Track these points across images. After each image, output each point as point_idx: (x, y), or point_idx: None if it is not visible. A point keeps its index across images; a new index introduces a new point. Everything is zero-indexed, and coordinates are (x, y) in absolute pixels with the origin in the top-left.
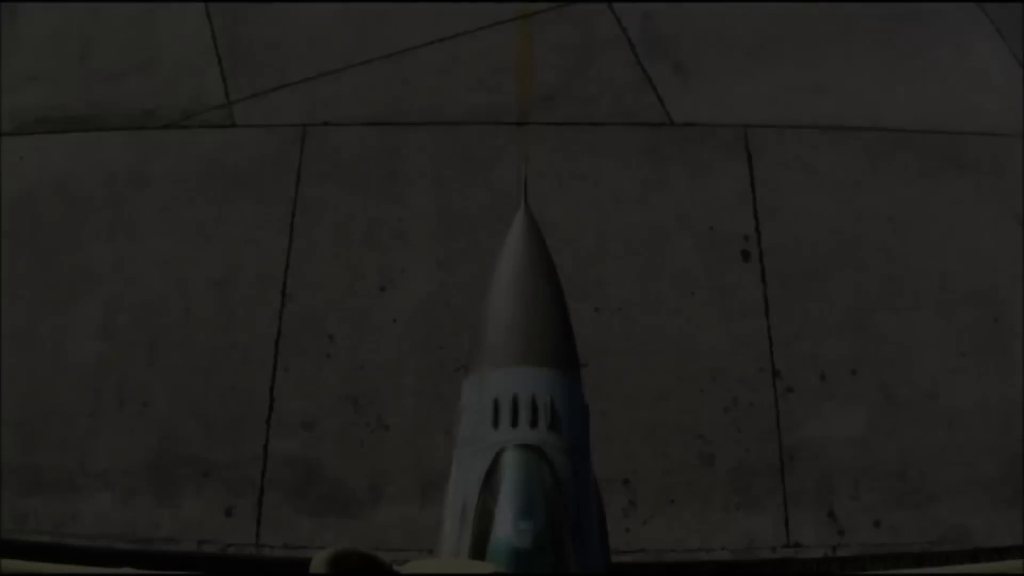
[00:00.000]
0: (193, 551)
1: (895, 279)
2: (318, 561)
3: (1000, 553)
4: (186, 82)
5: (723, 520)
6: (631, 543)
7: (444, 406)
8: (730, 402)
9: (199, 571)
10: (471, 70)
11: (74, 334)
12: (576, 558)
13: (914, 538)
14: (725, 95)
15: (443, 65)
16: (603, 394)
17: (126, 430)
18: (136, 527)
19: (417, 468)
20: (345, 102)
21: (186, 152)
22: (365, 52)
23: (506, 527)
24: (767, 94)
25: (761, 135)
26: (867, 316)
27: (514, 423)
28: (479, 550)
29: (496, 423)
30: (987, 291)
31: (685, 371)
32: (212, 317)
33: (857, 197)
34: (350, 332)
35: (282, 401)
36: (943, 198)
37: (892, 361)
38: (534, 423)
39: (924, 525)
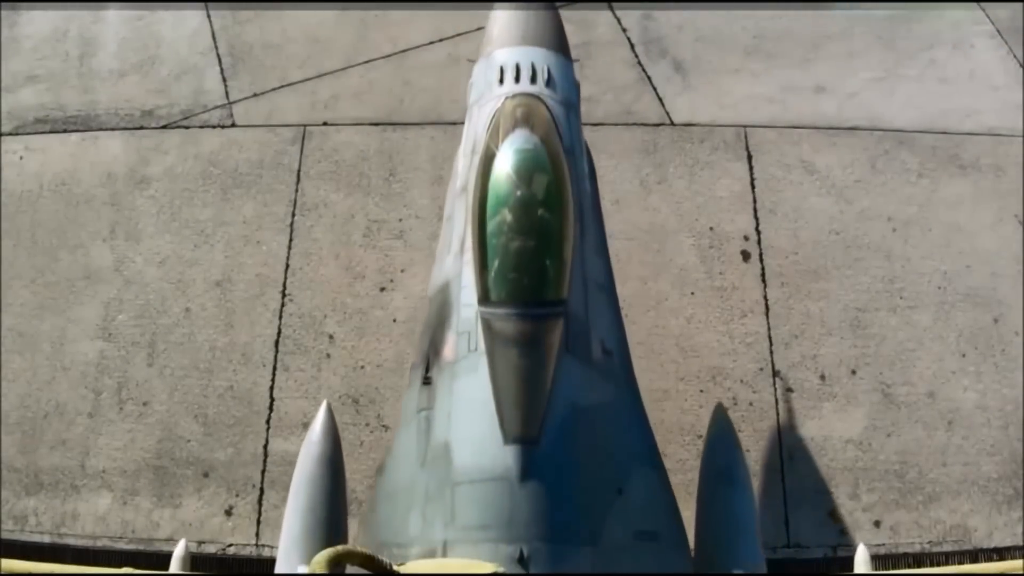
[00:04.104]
0: (193, 551)
1: (895, 279)
2: (318, 561)
3: (1000, 553)
4: (186, 82)
5: None
6: None
7: None
8: (730, 402)
9: (199, 571)
10: (471, 70)
11: (74, 334)
12: (571, 176)
13: (914, 538)
14: (725, 95)
15: (443, 65)
16: None
17: (126, 430)
18: (136, 527)
19: None
20: (345, 102)
21: (186, 152)
22: (365, 52)
23: (510, 137)
24: (767, 94)
25: (761, 135)
26: (867, 316)
27: (516, 80)
28: (487, 163)
29: (501, 81)
30: (987, 291)
31: (685, 371)
32: (212, 317)
33: (857, 197)
34: (350, 332)
35: (282, 401)
36: (943, 198)
37: (892, 361)
38: (533, 80)
39: (924, 525)
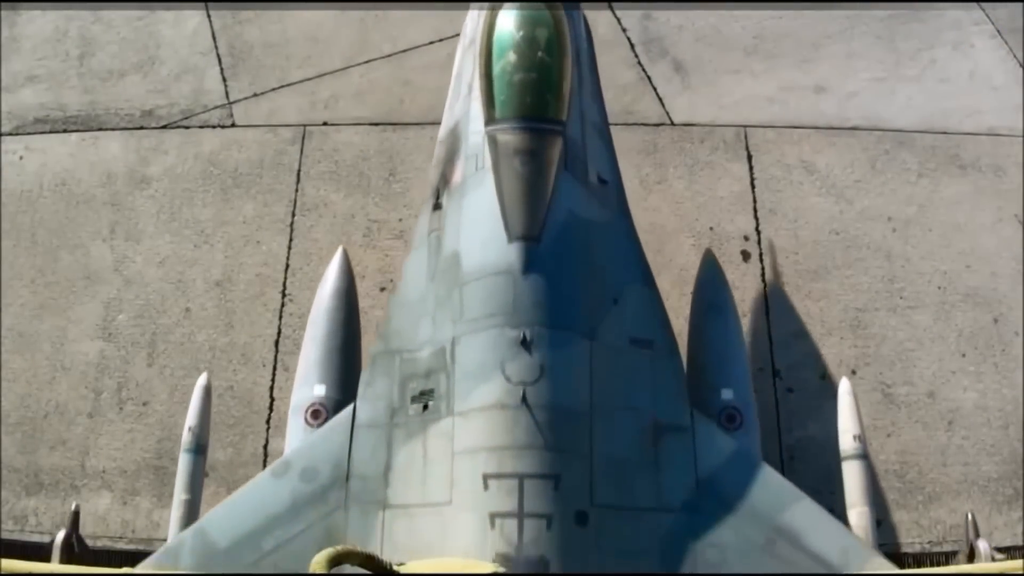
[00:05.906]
0: None
1: (895, 279)
2: (318, 561)
3: (1000, 553)
4: (186, 82)
5: None
6: None
7: None
8: None
9: (200, 571)
10: None
11: (74, 334)
12: (570, 31)
13: (914, 538)
14: (725, 95)
15: (443, 65)
16: None
17: (126, 430)
18: (136, 527)
19: None
20: (345, 102)
21: (186, 152)
22: (365, 52)
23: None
24: (767, 94)
25: (761, 135)
26: (867, 316)
27: None
28: (493, 17)
29: None
30: (987, 291)
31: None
32: (212, 317)
33: (857, 197)
34: None
35: (282, 401)
36: (943, 198)
37: (892, 361)
38: None
39: (924, 525)
